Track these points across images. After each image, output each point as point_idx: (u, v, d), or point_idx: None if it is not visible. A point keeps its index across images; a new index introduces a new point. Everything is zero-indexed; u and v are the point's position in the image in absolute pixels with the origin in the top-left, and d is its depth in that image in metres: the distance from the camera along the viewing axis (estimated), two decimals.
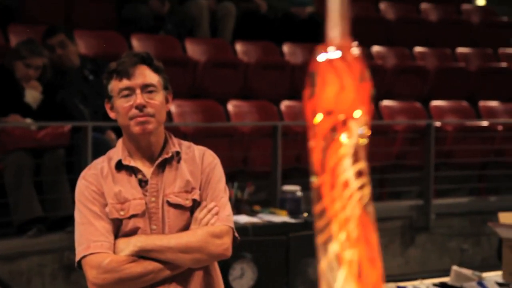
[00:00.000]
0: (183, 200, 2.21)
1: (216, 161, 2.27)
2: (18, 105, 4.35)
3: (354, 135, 0.61)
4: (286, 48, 6.40)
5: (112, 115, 2.23)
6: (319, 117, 0.63)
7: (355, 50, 0.65)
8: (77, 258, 2.16)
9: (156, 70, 2.21)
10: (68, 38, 4.64)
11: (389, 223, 5.17)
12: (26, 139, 4.31)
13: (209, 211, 2.21)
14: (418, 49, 6.96)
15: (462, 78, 6.59)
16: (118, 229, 2.18)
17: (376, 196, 5.10)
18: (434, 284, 3.22)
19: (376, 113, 5.79)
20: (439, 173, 5.51)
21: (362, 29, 6.17)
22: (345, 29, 0.65)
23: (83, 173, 2.22)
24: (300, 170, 5.20)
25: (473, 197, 5.75)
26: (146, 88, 2.17)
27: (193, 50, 6.04)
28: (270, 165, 5.03)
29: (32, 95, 4.41)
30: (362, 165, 0.61)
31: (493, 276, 3.31)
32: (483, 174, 5.96)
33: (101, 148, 3.53)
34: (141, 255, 2.15)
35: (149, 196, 2.20)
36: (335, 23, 0.65)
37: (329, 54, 0.65)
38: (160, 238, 2.17)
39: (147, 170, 2.21)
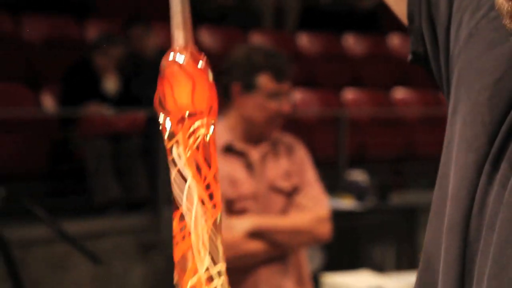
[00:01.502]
0: (284, 185, 2.26)
1: (306, 151, 2.33)
2: (97, 95, 4.60)
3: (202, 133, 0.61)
4: (347, 39, 6.54)
5: (240, 102, 2.20)
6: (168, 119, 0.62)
7: (200, 56, 0.64)
8: None
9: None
10: (146, 30, 4.88)
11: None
12: (105, 127, 4.57)
13: (309, 196, 2.28)
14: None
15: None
16: (227, 210, 2.20)
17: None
18: None
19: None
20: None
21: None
22: (189, 34, 0.65)
23: None
24: (363, 157, 5.35)
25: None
26: (288, 94, 2.24)
27: (258, 42, 6.23)
28: (334, 153, 5.19)
29: (110, 84, 4.66)
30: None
31: None
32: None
33: None
34: (254, 234, 2.19)
35: (256, 179, 2.24)
36: (178, 26, 0.65)
37: (176, 57, 0.63)
38: (272, 219, 2.23)
39: (253, 154, 2.25)
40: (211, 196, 0.55)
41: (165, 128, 0.62)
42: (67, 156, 4.52)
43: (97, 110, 4.58)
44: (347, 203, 4.55)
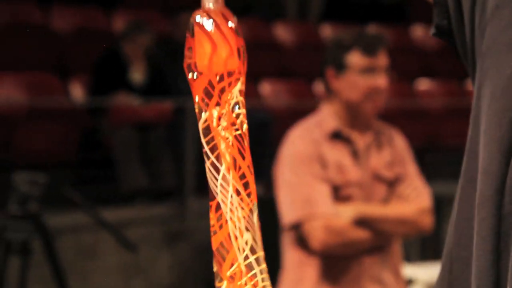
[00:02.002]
0: (387, 174, 2.23)
1: (406, 142, 2.30)
2: (125, 84, 4.65)
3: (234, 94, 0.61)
4: (372, 29, 6.54)
5: (335, 84, 2.17)
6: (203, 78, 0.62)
7: (231, 19, 0.63)
8: (296, 218, 2.12)
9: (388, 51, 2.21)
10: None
11: None
12: (132, 116, 4.62)
13: (411, 187, 2.23)
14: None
15: None
16: (334, 195, 2.17)
17: None
18: None
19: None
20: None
21: None
22: None
23: (295, 134, 2.20)
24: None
25: None
26: (385, 70, 2.16)
27: (282, 32, 6.25)
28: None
29: (138, 74, 4.71)
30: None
31: None
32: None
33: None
34: (360, 221, 2.14)
35: (361, 166, 2.21)
36: None
37: (205, 21, 0.62)
38: (378, 207, 2.19)
39: (358, 141, 2.21)
40: (246, 185, 0.55)
41: (202, 97, 0.61)
42: (96, 145, 4.58)
43: (125, 100, 4.63)
44: None
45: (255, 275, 0.53)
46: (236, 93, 0.61)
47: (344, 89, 2.16)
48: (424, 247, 4.60)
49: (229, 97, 0.61)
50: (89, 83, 4.70)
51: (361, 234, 2.14)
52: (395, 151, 2.25)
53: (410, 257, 4.18)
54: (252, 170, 0.56)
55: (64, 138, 4.43)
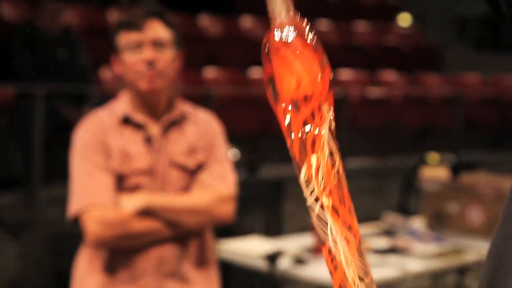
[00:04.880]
0: (187, 161, 2.09)
1: (220, 127, 2.18)
2: None
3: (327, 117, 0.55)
4: (203, 19, 6.72)
5: (118, 69, 2.08)
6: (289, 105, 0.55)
7: (307, 28, 0.54)
8: (75, 211, 2.01)
9: (168, 24, 2.05)
10: (58, 8, 4.64)
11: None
12: None
13: (214, 174, 2.10)
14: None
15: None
16: (119, 185, 2.04)
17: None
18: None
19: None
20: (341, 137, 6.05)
21: None
22: (290, 4, 0.54)
23: (82, 123, 2.09)
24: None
25: (374, 158, 6.37)
26: (156, 43, 2.02)
27: (114, 18, 6.22)
28: None
29: None
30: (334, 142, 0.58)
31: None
32: (382, 137, 6.61)
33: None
34: (146, 212, 2.01)
35: (154, 154, 2.07)
36: None
37: (283, 34, 0.53)
38: (166, 196, 2.05)
39: (152, 127, 2.09)
40: (350, 228, 0.57)
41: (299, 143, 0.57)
42: None
43: None
44: None
45: None
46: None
47: (123, 73, 2.06)
48: (268, 224, 4.88)
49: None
50: None
51: (147, 225, 2.00)
52: (203, 137, 2.12)
53: (255, 234, 4.42)
54: (353, 213, 0.58)
55: None
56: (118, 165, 2.03)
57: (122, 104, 2.09)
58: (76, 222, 2.03)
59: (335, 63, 7.08)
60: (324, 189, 0.55)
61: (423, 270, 3.21)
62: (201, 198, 2.06)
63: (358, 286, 0.54)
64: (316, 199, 0.55)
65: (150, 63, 2.00)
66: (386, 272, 3.05)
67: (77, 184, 2.02)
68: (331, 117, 0.56)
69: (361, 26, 8.04)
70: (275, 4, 0.53)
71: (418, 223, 3.87)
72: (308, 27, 0.54)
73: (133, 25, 2.01)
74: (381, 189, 6.01)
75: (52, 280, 4.39)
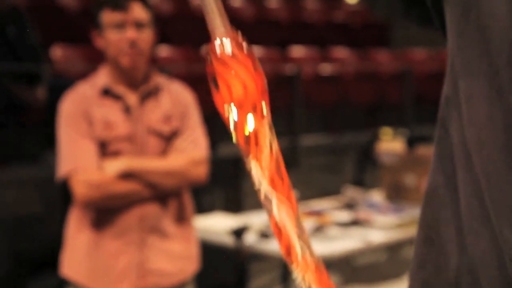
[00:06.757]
0: (163, 128, 2.29)
1: (192, 96, 2.38)
2: None
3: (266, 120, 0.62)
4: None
5: (99, 43, 2.27)
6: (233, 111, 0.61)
7: (241, 39, 0.61)
8: (63, 174, 2.21)
9: (147, 6, 2.26)
10: None
11: None
12: None
13: (188, 140, 2.31)
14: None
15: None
16: (102, 151, 2.24)
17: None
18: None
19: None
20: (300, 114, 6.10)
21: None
22: (226, 19, 0.61)
23: (66, 95, 2.28)
24: None
25: (328, 135, 6.45)
26: (138, 23, 2.22)
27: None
28: None
29: None
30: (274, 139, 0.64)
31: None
32: (335, 114, 6.69)
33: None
34: (127, 175, 2.21)
35: (133, 122, 2.26)
36: (214, 12, 0.60)
37: (221, 48, 0.60)
38: (145, 160, 2.24)
39: (130, 97, 2.28)
40: (289, 200, 0.64)
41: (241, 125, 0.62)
42: None
43: None
44: None
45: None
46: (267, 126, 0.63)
47: (105, 47, 2.25)
48: (228, 200, 4.91)
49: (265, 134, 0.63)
50: None
51: (127, 187, 2.20)
52: (177, 106, 2.32)
53: (216, 210, 4.45)
54: (291, 190, 0.65)
55: None
56: (100, 132, 2.23)
57: (102, 77, 2.29)
58: (64, 184, 2.25)
59: (287, 40, 7.15)
60: (268, 176, 0.63)
61: (386, 241, 3.28)
62: (177, 162, 2.26)
63: (299, 245, 0.63)
64: (261, 185, 0.63)
65: (133, 42, 2.21)
66: (350, 244, 3.11)
67: (64, 150, 2.22)
68: (268, 113, 0.63)
69: (310, 3, 8.09)
70: (214, 21, 0.60)
71: (377, 195, 3.95)
72: (241, 37, 0.62)
73: (118, 6, 2.21)
74: (337, 164, 6.09)
75: (8, 262, 4.34)
